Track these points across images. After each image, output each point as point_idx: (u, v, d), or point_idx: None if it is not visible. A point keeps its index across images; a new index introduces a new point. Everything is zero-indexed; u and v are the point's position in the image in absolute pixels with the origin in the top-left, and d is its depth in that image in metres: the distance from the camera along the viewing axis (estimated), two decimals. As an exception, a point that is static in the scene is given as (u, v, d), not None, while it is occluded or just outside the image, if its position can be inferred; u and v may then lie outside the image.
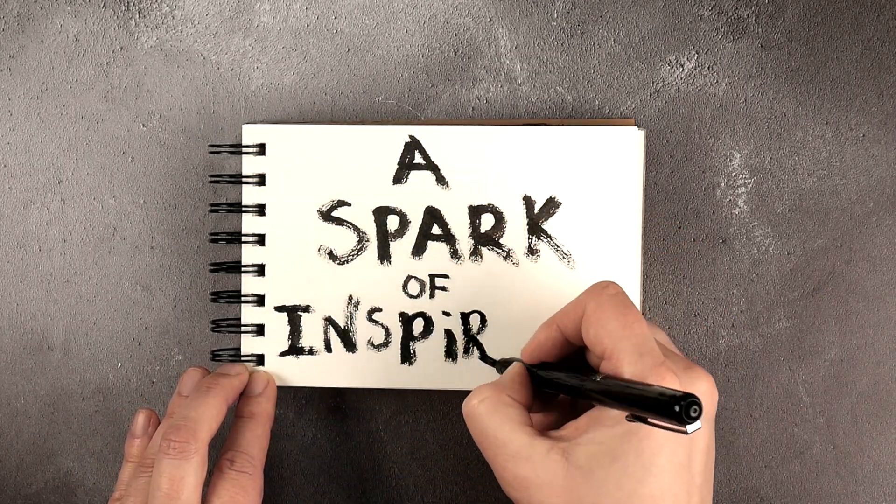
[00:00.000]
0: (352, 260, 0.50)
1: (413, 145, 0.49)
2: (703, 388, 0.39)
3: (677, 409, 0.33)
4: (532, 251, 0.49)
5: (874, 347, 0.51)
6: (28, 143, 0.52)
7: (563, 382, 0.41)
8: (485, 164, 0.49)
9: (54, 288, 0.52)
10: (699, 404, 0.33)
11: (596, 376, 0.39)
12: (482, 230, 0.49)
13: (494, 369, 0.49)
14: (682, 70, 0.50)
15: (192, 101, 0.52)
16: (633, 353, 0.38)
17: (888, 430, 0.51)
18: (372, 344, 0.50)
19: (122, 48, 0.52)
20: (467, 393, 0.51)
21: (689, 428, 0.33)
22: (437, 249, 0.50)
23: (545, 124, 0.49)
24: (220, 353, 0.50)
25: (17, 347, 0.53)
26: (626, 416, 0.36)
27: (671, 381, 0.37)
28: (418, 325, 0.50)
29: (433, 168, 0.49)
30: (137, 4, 0.52)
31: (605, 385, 0.38)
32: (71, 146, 0.52)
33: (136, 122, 0.52)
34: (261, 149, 0.50)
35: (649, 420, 0.35)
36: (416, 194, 0.49)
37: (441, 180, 0.49)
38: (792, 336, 0.51)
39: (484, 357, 0.49)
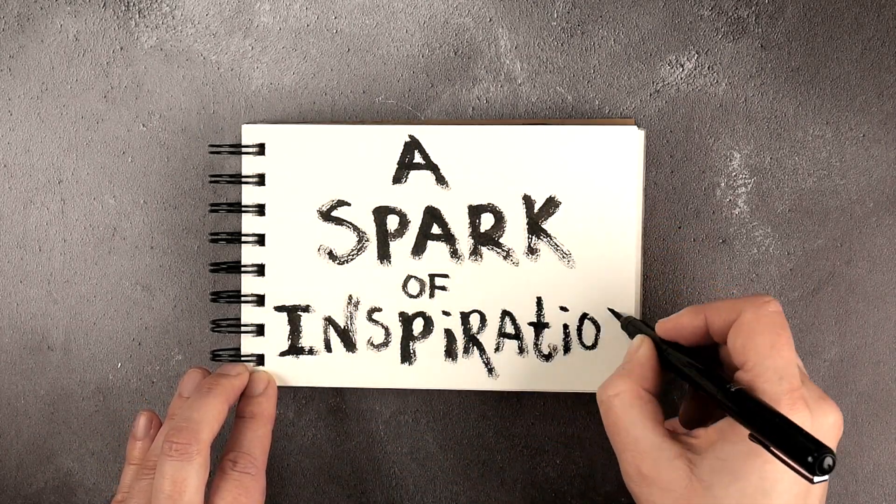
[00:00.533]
0: (352, 260, 0.50)
1: (413, 145, 0.49)
2: (832, 420, 0.39)
3: (810, 459, 0.33)
4: (532, 251, 0.49)
5: (874, 347, 0.51)
6: (28, 143, 0.52)
7: (693, 376, 0.41)
8: (485, 163, 0.49)
9: (54, 288, 0.52)
10: (834, 459, 0.33)
11: (731, 385, 0.39)
12: (482, 230, 0.49)
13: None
14: (682, 70, 0.50)
15: (192, 101, 0.52)
16: (774, 375, 0.38)
17: (888, 430, 0.51)
18: (372, 344, 0.50)
19: (122, 48, 0.52)
20: (468, 393, 0.52)
21: (816, 479, 0.33)
22: (436, 249, 0.50)
23: (545, 124, 0.49)
24: (221, 353, 0.50)
25: (17, 347, 0.53)
26: (749, 435, 0.36)
27: (802, 410, 0.37)
28: (418, 325, 0.50)
29: (433, 168, 0.49)
30: (137, 4, 0.52)
31: (739, 397, 0.38)
32: (71, 146, 0.52)
33: (136, 122, 0.52)
34: (260, 149, 0.50)
35: (771, 448, 0.35)
36: (416, 194, 0.49)
37: (441, 180, 0.49)
38: (792, 336, 0.51)
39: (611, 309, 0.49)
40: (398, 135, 0.49)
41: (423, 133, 0.49)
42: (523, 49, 0.51)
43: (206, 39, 0.52)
